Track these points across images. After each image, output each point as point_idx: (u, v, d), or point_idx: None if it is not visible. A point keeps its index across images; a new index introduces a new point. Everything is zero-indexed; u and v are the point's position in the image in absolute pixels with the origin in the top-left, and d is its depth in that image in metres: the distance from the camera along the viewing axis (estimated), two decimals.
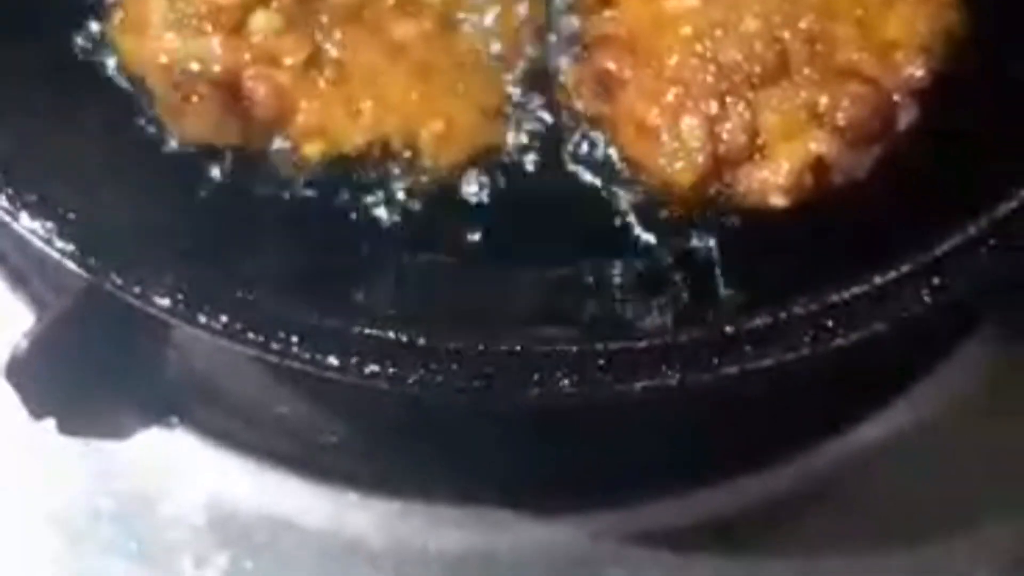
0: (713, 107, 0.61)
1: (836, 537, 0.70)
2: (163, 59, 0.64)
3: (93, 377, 0.70)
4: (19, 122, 0.60)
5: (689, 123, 0.61)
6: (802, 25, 0.62)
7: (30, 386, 0.68)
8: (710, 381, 0.54)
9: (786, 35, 0.62)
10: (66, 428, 0.71)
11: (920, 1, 0.63)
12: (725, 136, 0.61)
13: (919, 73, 0.61)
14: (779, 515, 0.71)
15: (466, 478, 0.72)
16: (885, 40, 0.62)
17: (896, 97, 0.61)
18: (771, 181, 0.61)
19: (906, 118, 0.62)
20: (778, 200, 0.61)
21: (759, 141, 0.61)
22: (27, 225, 0.56)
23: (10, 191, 0.56)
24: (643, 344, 0.54)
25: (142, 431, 0.72)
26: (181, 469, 0.72)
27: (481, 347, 0.54)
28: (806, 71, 0.62)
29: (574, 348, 0.54)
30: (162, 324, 0.69)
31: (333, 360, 0.54)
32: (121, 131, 0.64)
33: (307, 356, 0.55)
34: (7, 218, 0.56)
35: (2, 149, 0.58)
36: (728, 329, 0.53)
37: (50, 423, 0.71)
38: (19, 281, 0.75)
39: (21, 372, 0.67)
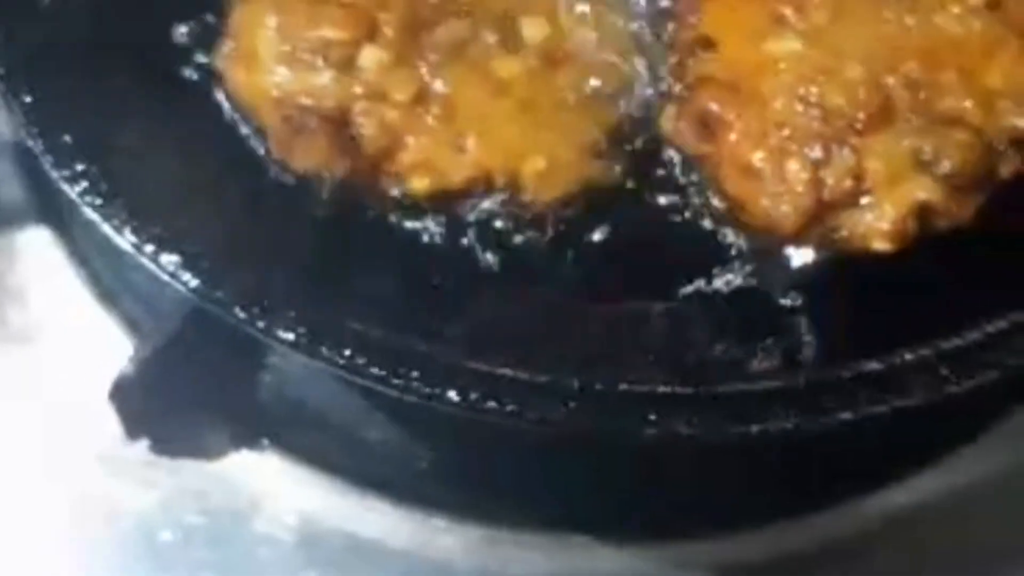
0: (817, 151, 0.62)
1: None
2: (274, 92, 0.65)
3: (188, 399, 0.71)
4: (137, 154, 0.61)
5: (793, 167, 0.62)
6: (905, 71, 0.63)
7: (131, 409, 0.69)
8: (820, 425, 0.55)
9: (890, 81, 0.63)
10: (160, 448, 0.72)
11: (1022, 50, 0.63)
12: (829, 180, 0.62)
13: (1022, 122, 0.62)
14: (849, 553, 0.72)
15: (551, 506, 0.73)
16: (988, 88, 0.63)
17: (999, 146, 0.62)
18: (875, 226, 0.61)
19: (1008, 167, 0.62)
20: (881, 245, 0.62)
21: (863, 186, 0.62)
22: (152, 258, 0.57)
23: (135, 223, 0.57)
24: (760, 387, 0.55)
25: (234, 452, 0.73)
26: (271, 490, 0.73)
27: (599, 386, 0.55)
28: (910, 117, 0.62)
29: (689, 389, 0.55)
30: (257, 350, 0.71)
31: (453, 395, 0.55)
32: (234, 163, 0.65)
33: (427, 391, 0.56)
34: (133, 251, 0.57)
35: (125, 182, 0.59)
36: (844, 374, 0.54)
37: (144, 443, 0.72)
38: (112, 303, 0.76)
39: (125, 395, 0.68)
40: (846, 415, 0.54)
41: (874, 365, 0.55)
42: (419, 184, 0.65)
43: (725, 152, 0.64)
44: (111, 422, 0.71)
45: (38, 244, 0.78)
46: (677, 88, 0.67)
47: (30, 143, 0.58)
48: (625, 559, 0.72)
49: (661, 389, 0.55)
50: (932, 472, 0.73)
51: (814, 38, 0.64)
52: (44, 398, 0.75)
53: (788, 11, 0.65)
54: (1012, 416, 0.72)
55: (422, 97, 0.65)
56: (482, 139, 0.65)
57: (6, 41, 0.60)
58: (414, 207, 0.65)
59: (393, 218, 0.65)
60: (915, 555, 0.72)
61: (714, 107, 0.64)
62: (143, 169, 0.60)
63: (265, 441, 0.74)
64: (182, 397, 0.70)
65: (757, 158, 0.63)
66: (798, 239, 0.62)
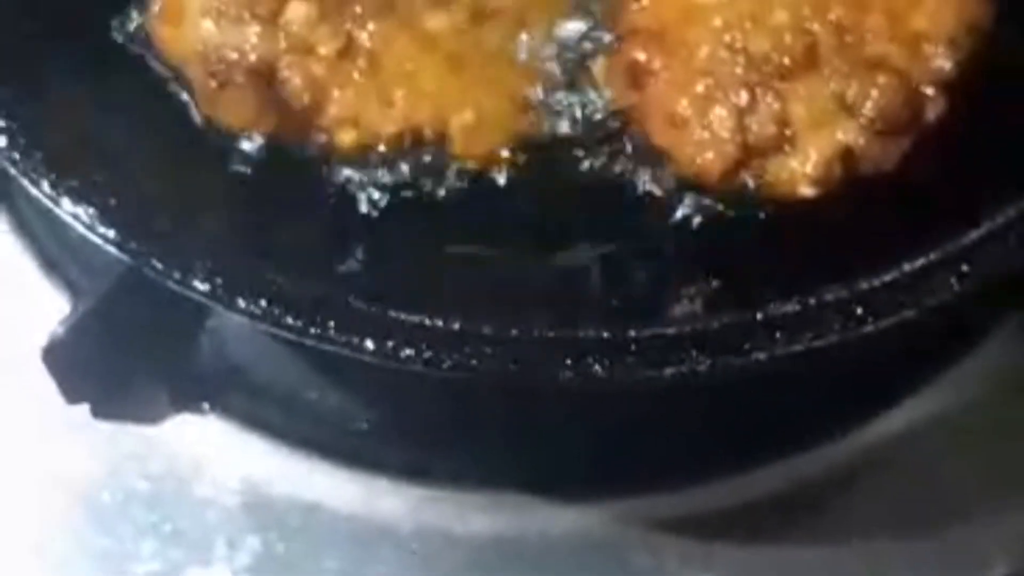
0: (742, 98, 0.62)
1: (860, 525, 0.71)
2: (200, 47, 0.65)
3: (127, 362, 0.71)
4: (59, 110, 0.61)
5: (718, 113, 0.62)
6: (831, 16, 0.63)
7: (66, 371, 0.69)
8: (738, 367, 0.55)
9: (815, 26, 0.63)
10: (100, 412, 0.72)
11: None
12: (754, 127, 0.62)
13: (947, 65, 0.62)
14: (803, 503, 0.72)
15: (493, 465, 0.73)
16: (914, 32, 0.63)
17: (924, 89, 0.62)
18: (800, 171, 0.61)
19: (934, 110, 0.62)
20: (807, 190, 0.61)
21: (788, 132, 0.62)
22: (69, 211, 0.57)
23: (52, 177, 0.57)
24: (674, 330, 0.54)
25: (175, 416, 0.73)
26: (214, 454, 0.73)
27: (515, 332, 0.55)
28: (835, 62, 0.62)
29: (605, 333, 0.55)
30: (194, 310, 0.70)
31: (369, 344, 0.55)
32: (158, 118, 0.64)
33: (344, 340, 0.55)
34: (49, 204, 0.57)
35: (43, 136, 0.58)
36: (758, 315, 0.54)
37: (84, 407, 0.72)
38: (52, 265, 0.76)
39: (58, 357, 0.68)
40: (760, 356, 0.53)
41: (791, 306, 0.55)
42: (346, 138, 0.65)
43: (652, 101, 0.64)
44: (52, 387, 0.71)
45: None
46: (608, 39, 0.67)
47: None
48: (568, 516, 0.72)
49: (577, 334, 0.55)
50: (892, 413, 0.72)
51: None
52: None
53: None
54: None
55: (349, 51, 0.65)
56: (409, 93, 0.65)
57: None
58: (340, 161, 0.65)
59: (317, 172, 0.65)
60: (880, 498, 0.71)
61: (641, 57, 0.64)
62: (65, 124, 0.60)
63: (206, 405, 0.74)
64: (119, 360, 0.70)
65: (682, 106, 0.63)
66: (724, 185, 0.62)
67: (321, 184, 0.64)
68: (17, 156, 0.57)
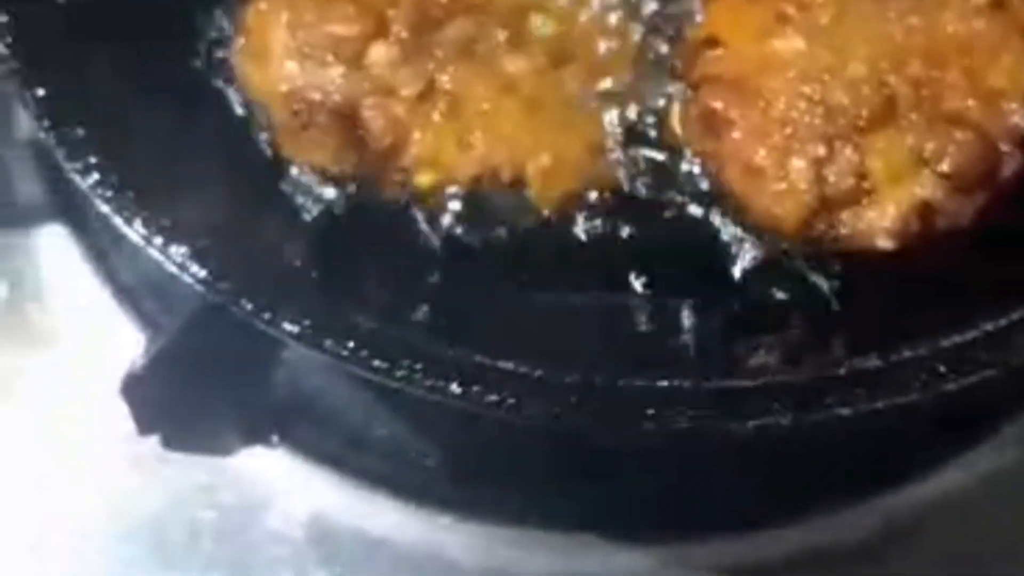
0: (820, 149, 0.62)
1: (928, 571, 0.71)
2: (284, 87, 0.66)
3: (199, 395, 0.72)
4: (149, 148, 0.62)
5: (796, 164, 0.62)
6: (909, 71, 0.63)
7: (141, 403, 0.70)
8: (818, 421, 0.56)
9: (893, 80, 0.63)
10: (171, 443, 0.73)
11: None
12: (832, 178, 0.62)
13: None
14: (862, 554, 0.72)
15: (557, 504, 0.73)
16: (992, 88, 0.63)
17: (1002, 145, 0.62)
18: (877, 224, 0.62)
19: (1011, 166, 0.63)
20: (884, 243, 0.62)
21: (865, 184, 0.62)
22: (161, 250, 0.58)
23: (145, 215, 0.58)
24: (757, 382, 0.55)
25: (245, 449, 0.74)
26: (281, 487, 0.74)
27: (599, 381, 0.55)
28: (913, 116, 0.63)
29: (687, 383, 0.55)
30: (267, 345, 0.71)
31: (455, 388, 0.56)
32: (243, 157, 0.65)
33: (429, 384, 0.56)
34: (142, 242, 0.58)
35: (136, 175, 0.59)
36: (840, 371, 0.55)
37: (155, 438, 0.73)
38: (128, 299, 0.77)
39: (135, 390, 0.69)
40: (843, 411, 0.54)
41: (873, 362, 0.55)
42: (424, 179, 0.66)
43: (729, 150, 0.64)
44: (125, 418, 0.72)
45: (56, 242, 0.79)
46: (683, 88, 0.67)
47: (43, 136, 0.59)
48: (634, 559, 0.72)
49: (660, 384, 0.55)
50: (945, 471, 0.73)
51: (817, 36, 0.64)
52: (62, 394, 0.76)
53: (791, 10, 0.65)
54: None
55: (429, 93, 0.66)
56: (488, 135, 0.66)
57: (21, 35, 0.61)
58: (419, 202, 0.66)
59: (400, 213, 0.66)
60: (927, 554, 0.72)
61: (718, 105, 0.65)
62: (154, 162, 0.61)
63: (275, 438, 0.74)
64: (193, 393, 0.71)
65: (760, 156, 0.63)
66: (801, 236, 0.62)
67: (402, 226, 0.65)
68: (110, 194, 0.58)
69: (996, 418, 0.73)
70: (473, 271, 0.64)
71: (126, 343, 0.75)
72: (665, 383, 0.56)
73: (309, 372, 0.75)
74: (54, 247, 0.79)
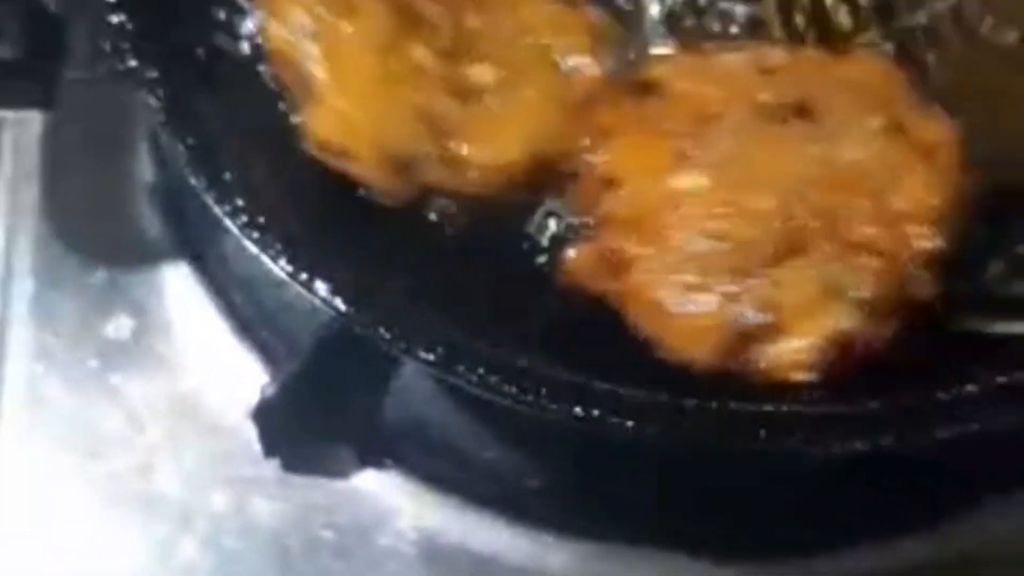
0: (727, 285, 0.61)
1: None
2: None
3: (317, 421, 0.77)
4: (285, 189, 0.67)
5: (702, 303, 0.61)
6: (814, 200, 0.62)
7: (268, 427, 0.75)
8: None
9: (798, 211, 0.62)
10: (291, 467, 0.78)
11: (930, 171, 0.63)
12: (742, 315, 0.60)
13: (931, 245, 0.62)
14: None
15: (655, 522, 0.78)
16: (896, 212, 0.62)
17: (911, 269, 0.62)
18: (791, 358, 0.60)
19: (924, 290, 0.62)
20: (801, 376, 0.61)
21: (778, 318, 0.61)
22: (306, 284, 0.62)
23: (290, 253, 0.63)
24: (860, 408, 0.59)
25: (359, 471, 0.79)
26: (394, 507, 0.79)
27: (714, 405, 0.60)
28: (823, 246, 0.61)
29: (800, 408, 0.60)
30: (382, 374, 0.76)
31: (579, 411, 0.60)
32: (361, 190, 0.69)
33: (554, 408, 0.61)
34: (288, 279, 0.63)
35: (278, 215, 0.64)
36: (940, 395, 0.59)
37: (277, 462, 0.78)
38: (246, 332, 0.82)
39: (264, 415, 0.74)
40: (943, 434, 0.58)
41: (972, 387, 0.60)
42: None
43: (631, 290, 0.63)
44: (248, 443, 0.77)
45: (179, 280, 0.84)
46: (582, 229, 0.66)
47: (193, 182, 0.64)
48: (725, 572, 0.76)
49: (768, 408, 0.60)
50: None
51: (718, 172, 0.63)
52: (187, 422, 0.81)
53: (690, 147, 0.64)
54: None
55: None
56: None
57: (169, 90, 0.66)
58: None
59: (513, 235, 0.68)
60: None
61: (617, 244, 0.63)
62: (290, 202, 0.66)
63: (388, 461, 0.79)
64: (313, 418, 0.76)
65: (664, 295, 0.61)
66: (716, 372, 0.61)
67: (520, 247, 0.67)
68: (257, 235, 0.63)
69: None
70: (586, 299, 0.67)
71: (246, 373, 0.81)
72: (774, 407, 0.60)
73: (419, 399, 0.79)
74: (177, 284, 0.84)
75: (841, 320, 0.61)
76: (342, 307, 0.62)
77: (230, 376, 0.81)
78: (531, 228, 0.68)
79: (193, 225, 0.84)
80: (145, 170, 0.86)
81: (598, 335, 0.64)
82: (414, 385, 0.78)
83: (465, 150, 0.66)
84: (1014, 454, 0.75)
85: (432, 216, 0.68)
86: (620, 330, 0.63)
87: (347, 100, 0.66)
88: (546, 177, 0.67)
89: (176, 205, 0.85)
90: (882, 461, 0.73)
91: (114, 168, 0.85)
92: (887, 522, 0.76)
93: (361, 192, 0.67)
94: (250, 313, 0.82)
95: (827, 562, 0.76)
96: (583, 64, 0.68)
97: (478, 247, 0.67)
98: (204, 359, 0.82)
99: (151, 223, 0.85)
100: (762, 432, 0.60)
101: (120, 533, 0.78)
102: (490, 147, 0.66)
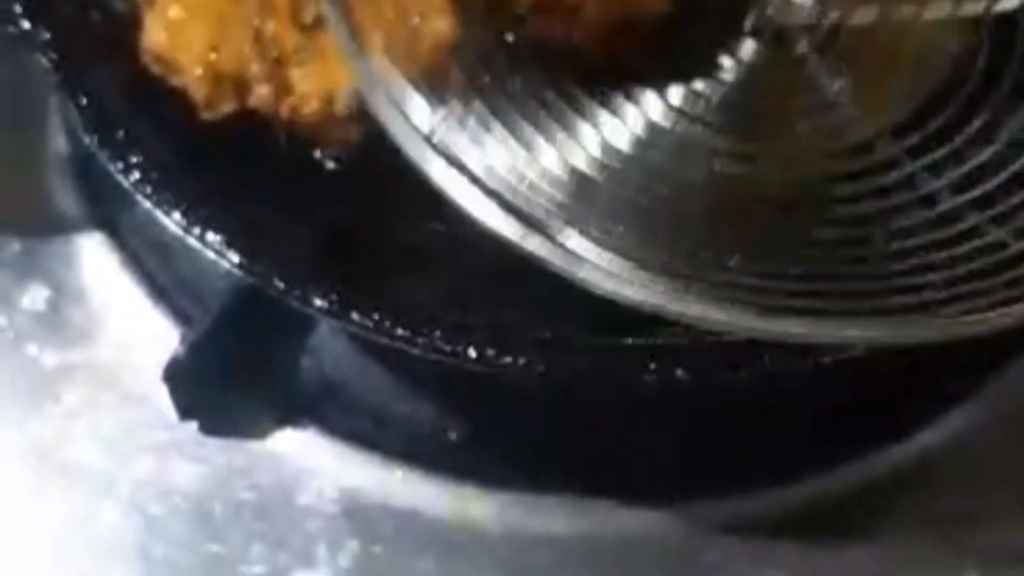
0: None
1: (923, 524, 0.76)
2: None
3: (233, 383, 0.77)
4: (184, 146, 0.68)
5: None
6: None
7: (182, 391, 0.75)
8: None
9: None
10: (209, 428, 0.78)
11: None
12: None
13: None
14: (864, 506, 0.76)
15: (572, 469, 0.78)
16: None
17: None
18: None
19: None
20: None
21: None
22: (202, 239, 0.63)
23: (184, 207, 0.63)
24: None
25: (279, 431, 0.79)
26: (314, 466, 0.78)
27: (602, 341, 0.61)
28: None
29: (686, 340, 0.61)
30: (297, 332, 0.77)
31: (472, 352, 0.61)
32: (254, 142, 0.69)
33: (449, 349, 0.61)
34: (182, 232, 0.63)
35: (173, 172, 0.65)
36: None
37: (194, 424, 0.78)
38: (162, 298, 0.83)
39: (176, 377, 0.74)
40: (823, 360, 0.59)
41: None
42: None
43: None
44: (167, 408, 0.77)
45: (94, 249, 0.84)
46: None
47: (87, 140, 0.64)
48: (643, 518, 0.77)
49: (659, 341, 0.61)
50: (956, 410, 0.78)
51: None
52: (104, 389, 0.81)
53: None
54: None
55: None
56: None
57: (63, 51, 0.66)
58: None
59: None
60: (944, 497, 0.76)
61: None
62: (184, 158, 0.66)
63: (307, 420, 0.79)
64: (228, 380, 0.76)
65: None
66: None
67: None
68: (150, 190, 0.64)
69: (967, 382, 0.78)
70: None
71: (162, 339, 0.81)
72: (663, 340, 0.61)
73: (336, 357, 0.80)
74: (93, 253, 0.84)
75: None
76: (235, 258, 0.62)
77: (148, 343, 0.81)
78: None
79: (106, 193, 0.84)
80: (58, 139, 0.86)
81: (491, 276, 0.64)
82: (331, 343, 0.79)
83: (294, 77, 0.66)
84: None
85: (329, 164, 0.68)
86: (513, 271, 0.64)
87: (182, 10, 0.67)
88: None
89: (89, 174, 0.85)
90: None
91: (25, 138, 0.85)
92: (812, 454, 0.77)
93: (257, 144, 0.68)
94: (166, 280, 0.82)
95: (746, 500, 0.76)
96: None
97: (371, 193, 0.67)
98: (121, 327, 0.82)
99: (64, 193, 0.85)
100: (651, 364, 0.60)
101: (41, 502, 0.78)
102: (316, 77, 0.66)
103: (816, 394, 0.74)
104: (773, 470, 0.77)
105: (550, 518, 0.78)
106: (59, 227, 0.84)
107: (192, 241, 0.63)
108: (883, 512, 0.76)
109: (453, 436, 0.79)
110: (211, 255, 0.63)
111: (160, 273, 0.83)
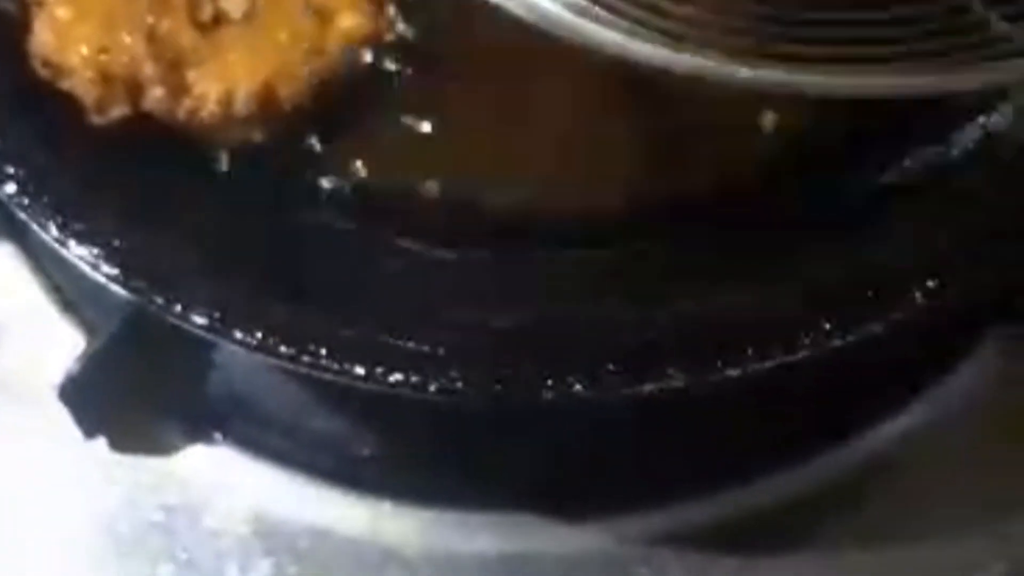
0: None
1: (855, 537, 0.73)
2: None
3: (140, 397, 0.74)
4: (65, 156, 0.65)
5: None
6: None
7: (82, 407, 0.72)
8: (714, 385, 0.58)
9: None
10: (116, 445, 0.75)
11: None
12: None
13: None
14: (799, 516, 0.74)
15: (495, 486, 0.75)
16: None
17: None
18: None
19: None
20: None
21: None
22: (75, 252, 0.60)
23: (60, 220, 0.61)
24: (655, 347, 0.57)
25: (188, 447, 0.76)
26: (225, 482, 0.76)
27: (502, 357, 0.58)
28: None
29: (587, 352, 0.58)
30: (203, 346, 0.74)
31: (360, 370, 0.58)
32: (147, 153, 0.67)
33: (336, 367, 0.58)
34: (57, 245, 0.60)
35: (53, 182, 0.62)
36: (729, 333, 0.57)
37: (102, 441, 0.75)
38: (72, 310, 0.80)
39: (73, 393, 0.72)
40: (732, 373, 0.56)
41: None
42: None
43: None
44: (70, 422, 0.74)
45: (3, 260, 0.81)
46: None
47: None
48: (569, 534, 0.74)
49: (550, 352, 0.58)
50: (888, 425, 0.75)
51: None
52: (13, 405, 0.78)
53: None
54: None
55: None
56: None
57: None
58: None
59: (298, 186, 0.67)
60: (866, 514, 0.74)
61: None
62: (67, 171, 0.64)
63: (218, 435, 0.77)
64: (132, 396, 0.73)
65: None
66: None
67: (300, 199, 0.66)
68: (26, 202, 0.61)
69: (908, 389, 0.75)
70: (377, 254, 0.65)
71: (70, 351, 0.78)
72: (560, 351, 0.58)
73: (244, 371, 0.77)
74: (1, 264, 0.81)
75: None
76: (111, 272, 0.59)
77: (57, 357, 0.78)
78: (308, 178, 0.65)
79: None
80: None
81: (379, 292, 0.61)
82: (240, 357, 0.76)
83: (190, 78, 0.63)
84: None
85: (220, 168, 0.65)
86: (407, 285, 0.61)
87: (71, 10, 0.64)
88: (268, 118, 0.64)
89: None
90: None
91: None
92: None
93: (141, 153, 0.65)
94: (73, 293, 0.80)
95: (674, 515, 0.73)
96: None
97: (258, 205, 0.64)
98: (29, 340, 0.79)
99: None
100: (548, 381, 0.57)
101: None
102: (215, 77, 0.63)
103: (742, 406, 0.71)
104: (705, 482, 0.74)
105: (472, 535, 0.75)
106: None
107: (68, 255, 0.60)
108: (818, 522, 0.74)
109: (366, 451, 0.76)
110: (86, 268, 0.59)
111: (68, 285, 0.80)
